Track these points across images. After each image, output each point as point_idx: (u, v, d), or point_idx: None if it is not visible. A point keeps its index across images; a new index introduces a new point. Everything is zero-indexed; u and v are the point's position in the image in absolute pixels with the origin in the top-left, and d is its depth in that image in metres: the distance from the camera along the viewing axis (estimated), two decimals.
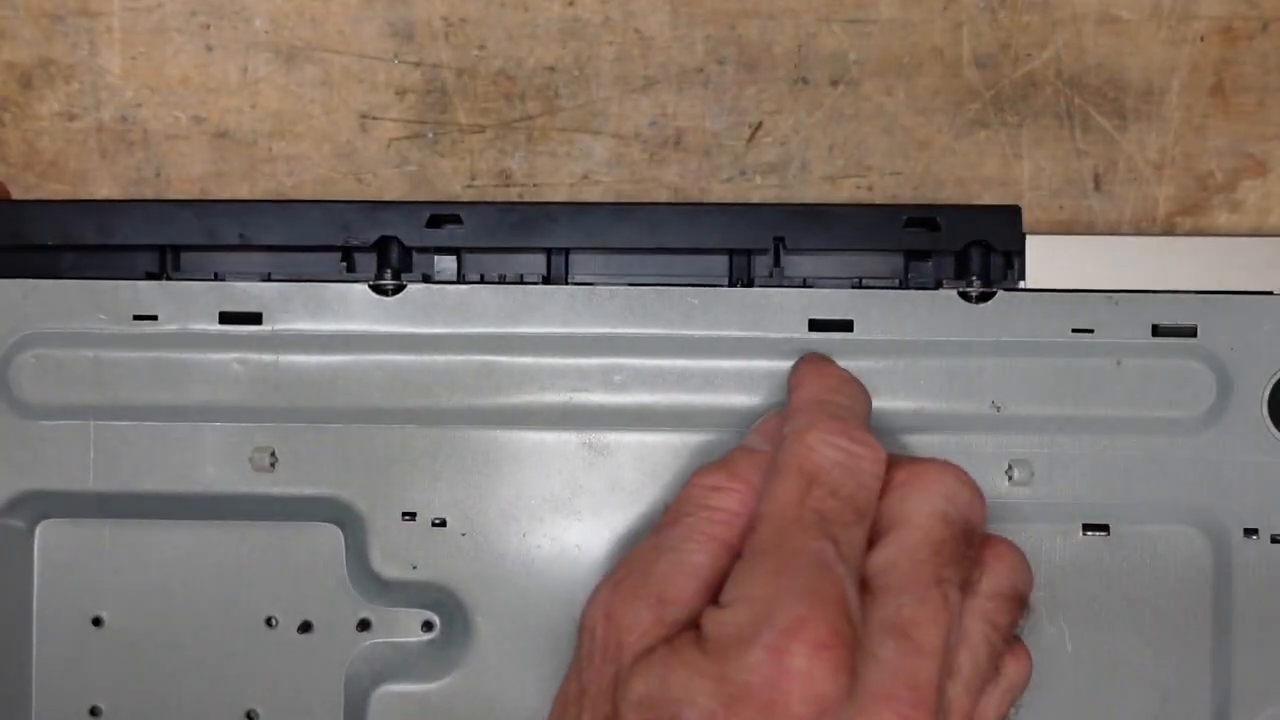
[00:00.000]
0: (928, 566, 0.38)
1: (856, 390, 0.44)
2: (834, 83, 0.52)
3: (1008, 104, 0.52)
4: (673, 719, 0.36)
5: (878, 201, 0.52)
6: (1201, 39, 0.52)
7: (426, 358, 0.47)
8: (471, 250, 0.47)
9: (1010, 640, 0.41)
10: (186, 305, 0.47)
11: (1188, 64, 0.52)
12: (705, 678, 0.36)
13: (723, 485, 0.41)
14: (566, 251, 0.47)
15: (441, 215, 0.47)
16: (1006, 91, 0.52)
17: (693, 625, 0.38)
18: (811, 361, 0.46)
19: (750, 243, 0.47)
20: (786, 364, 0.47)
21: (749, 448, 0.42)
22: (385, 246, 0.47)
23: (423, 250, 0.47)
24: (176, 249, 0.48)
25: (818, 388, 0.44)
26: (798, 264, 0.48)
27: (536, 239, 0.47)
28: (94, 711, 0.48)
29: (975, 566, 0.40)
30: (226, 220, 0.47)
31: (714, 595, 0.39)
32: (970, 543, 0.40)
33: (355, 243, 0.47)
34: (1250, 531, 0.47)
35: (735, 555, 0.39)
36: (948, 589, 0.38)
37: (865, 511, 0.39)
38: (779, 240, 0.47)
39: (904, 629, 0.37)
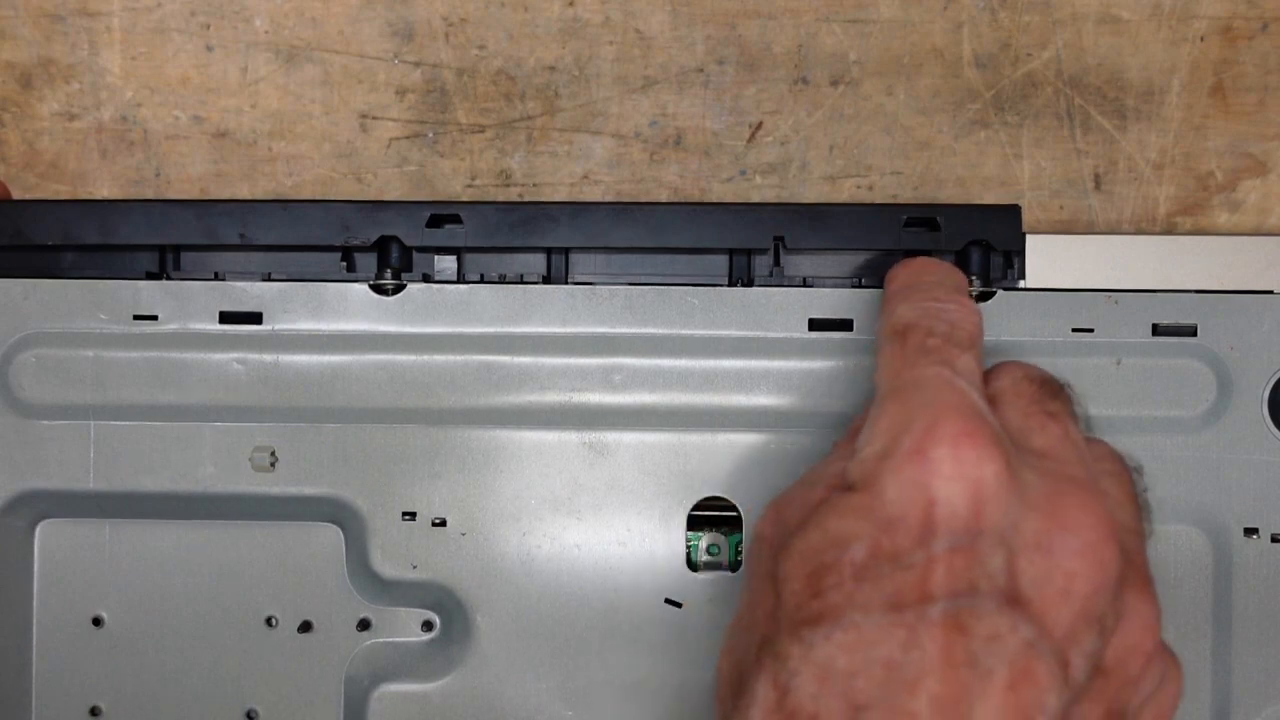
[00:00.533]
0: (1036, 403, 0.38)
1: (944, 268, 0.44)
2: (834, 83, 0.52)
3: (1008, 104, 0.52)
4: (839, 560, 0.34)
5: (878, 201, 0.52)
6: (1201, 39, 0.52)
7: (426, 357, 0.47)
8: (471, 250, 0.47)
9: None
10: (186, 305, 0.47)
11: (1188, 64, 0.52)
12: (858, 512, 0.34)
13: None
14: (566, 251, 0.47)
15: (441, 215, 0.47)
16: (1006, 91, 0.52)
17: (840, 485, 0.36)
18: (900, 263, 0.45)
19: (750, 242, 0.47)
20: (786, 364, 0.47)
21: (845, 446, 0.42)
22: (385, 246, 0.47)
23: (423, 250, 0.47)
24: (176, 249, 0.48)
25: (903, 277, 0.43)
26: (797, 264, 0.48)
27: (536, 239, 0.47)
28: (94, 711, 0.48)
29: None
30: (226, 220, 0.47)
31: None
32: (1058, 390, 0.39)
33: (355, 243, 0.47)
34: (1250, 531, 0.47)
35: None
36: (1064, 421, 0.38)
37: (969, 343, 0.38)
38: (779, 240, 0.47)
39: (1040, 455, 0.36)
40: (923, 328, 0.38)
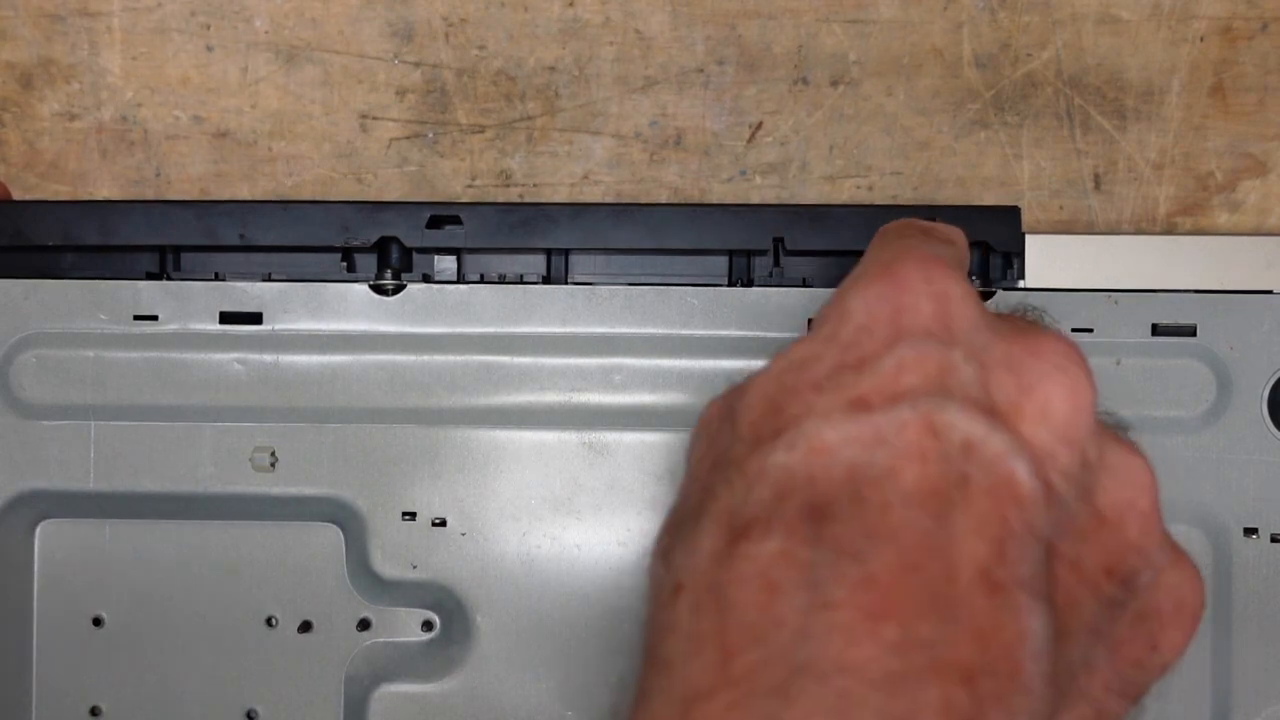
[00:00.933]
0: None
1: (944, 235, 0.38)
2: (834, 83, 0.52)
3: (1008, 104, 0.52)
4: (798, 384, 0.30)
5: (878, 202, 0.52)
6: (1201, 39, 0.52)
7: (426, 357, 0.47)
8: (471, 251, 0.47)
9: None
10: (187, 305, 0.47)
11: (1188, 64, 0.52)
12: (821, 339, 0.31)
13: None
14: (566, 253, 0.47)
15: (441, 216, 0.47)
16: (1006, 91, 0.52)
17: None
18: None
19: (750, 244, 0.47)
20: None
21: None
22: (385, 247, 0.47)
23: (422, 251, 0.47)
24: (177, 249, 0.48)
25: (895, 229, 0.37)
26: (797, 264, 0.48)
27: (536, 239, 0.47)
28: (94, 711, 0.48)
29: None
30: (226, 220, 0.47)
31: None
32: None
33: (355, 243, 0.47)
34: (1250, 531, 0.47)
35: None
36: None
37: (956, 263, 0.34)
38: (778, 241, 0.47)
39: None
40: (905, 238, 0.34)
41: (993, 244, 0.47)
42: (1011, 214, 0.47)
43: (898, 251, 0.32)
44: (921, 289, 0.31)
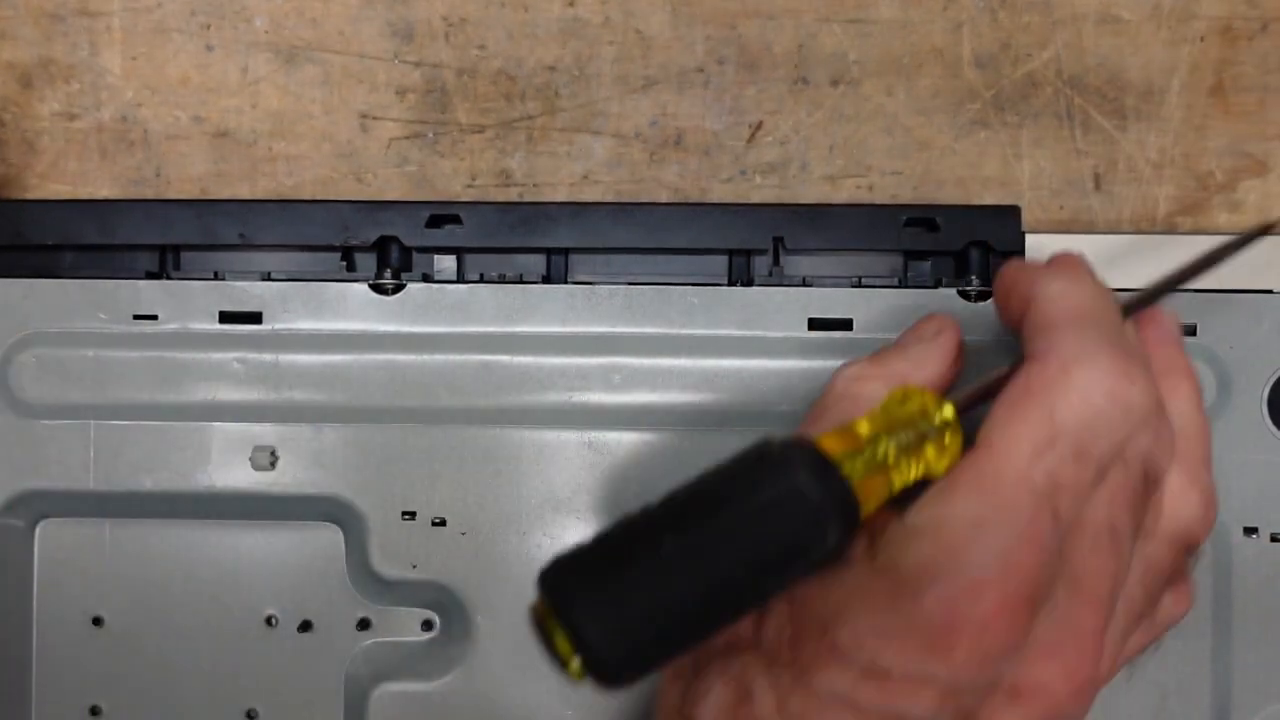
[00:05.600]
0: (1102, 510, 0.35)
1: (1112, 300, 0.39)
2: (834, 83, 0.52)
3: (1008, 104, 0.52)
4: (824, 631, 0.34)
5: (878, 201, 0.52)
6: (1201, 39, 0.52)
7: (426, 357, 0.47)
8: (471, 251, 0.47)
9: (1174, 579, 0.39)
10: (186, 305, 0.47)
11: (1188, 64, 0.52)
12: (869, 599, 0.34)
13: (866, 374, 0.39)
14: (566, 252, 0.47)
15: (441, 215, 0.47)
16: (1006, 91, 0.52)
17: (860, 543, 0.35)
18: (1061, 260, 0.39)
19: (750, 243, 0.47)
20: (786, 363, 0.47)
21: (901, 344, 0.40)
22: (385, 247, 0.47)
23: (422, 250, 0.47)
24: (176, 249, 0.48)
25: (1079, 296, 0.37)
26: (797, 264, 0.48)
27: (536, 239, 0.47)
28: (94, 711, 0.48)
29: (1151, 510, 0.37)
30: (226, 220, 0.47)
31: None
32: (1150, 487, 0.37)
33: (355, 242, 0.47)
34: (1250, 530, 0.47)
35: None
36: (1120, 537, 0.36)
37: (1104, 472, 0.35)
38: (778, 240, 0.47)
39: (1077, 577, 0.35)
40: (1078, 444, 0.35)
41: (993, 244, 0.47)
42: (1011, 214, 0.47)
43: (1003, 552, 0.34)
44: (968, 647, 0.34)
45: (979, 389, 0.37)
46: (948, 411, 0.36)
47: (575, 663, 0.32)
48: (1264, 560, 0.47)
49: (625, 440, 0.47)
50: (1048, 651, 0.35)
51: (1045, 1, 0.52)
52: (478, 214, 0.47)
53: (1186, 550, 0.39)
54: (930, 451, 0.36)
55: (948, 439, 0.36)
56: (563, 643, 0.33)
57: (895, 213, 0.47)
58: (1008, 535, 0.33)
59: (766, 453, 0.34)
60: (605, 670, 0.32)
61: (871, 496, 0.35)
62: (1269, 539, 0.47)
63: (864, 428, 0.36)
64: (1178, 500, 0.38)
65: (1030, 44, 0.52)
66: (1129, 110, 0.52)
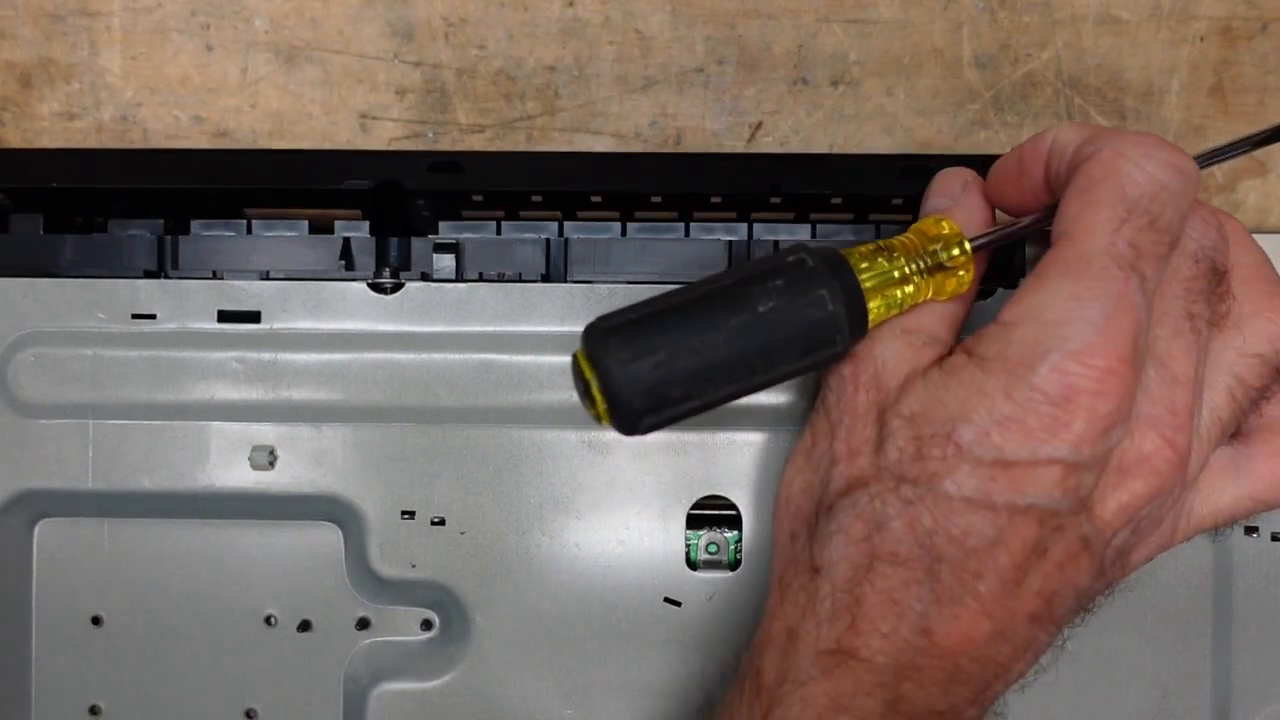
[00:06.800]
0: (1179, 301, 0.39)
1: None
2: (834, 83, 0.52)
3: (1008, 104, 0.52)
4: (947, 435, 0.37)
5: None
6: (1201, 39, 0.52)
7: (425, 356, 0.47)
8: (472, 204, 0.47)
9: (1260, 404, 0.41)
10: (185, 304, 0.47)
11: (1188, 64, 0.52)
12: (984, 394, 0.37)
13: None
14: (566, 242, 0.47)
15: (442, 164, 0.46)
16: (1006, 91, 0.52)
17: (959, 350, 0.38)
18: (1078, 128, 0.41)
19: (747, 188, 0.46)
20: None
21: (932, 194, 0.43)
22: (385, 193, 0.46)
23: (422, 194, 0.47)
24: (177, 195, 0.47)
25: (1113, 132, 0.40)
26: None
27: (537, 183, 0.46)
28: (94, 710, 0.48)
29: (1224, 302, 0.40)
30: (224, 171, 0.47)
31: (957, 325, 0.41)
32: (1218, 279, 0.40)
33: (355, 187, 0.46)
34: (1251, 529, 0.47)
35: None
36: (1198, 323, 0.39)
37: (1178, 238, 0.38)
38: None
39: (1162, 359, 0.38)
40: (1150, 211, 0.37)
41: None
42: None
43: (1100, 315, 0.37)
44: (1084, 416, 0.37)
45: (1002, 234, 0.41)
46: (967, 245, 0.40)
47: (601, 404, 0.37)
48: (1264, 560, 0.47)
49: (625, 439, 0.47)
50: (1146, 423, 0.37)
51: (1045, 1, 0.52)
52: (477, 162, 0.47)
53: (1274, 372, 0.41)
54: (942, 279, 0.40)
55: (961, 270, 0.40)
56: (593, 387, 0.37)
57: (889, 163, 0.46)
58: (1104, 302, 0.36)
59: (801, 260, 0.38)
60: (625, 414, 0.36)
61: (883, 307, 0.39)
62: (1269, 538, 0.47)
63: (895, 246, 0.40)
64: (1259, 310, 0.40)
65: (1030, 44, 0.52)
66: (1129, 110, 0.52)
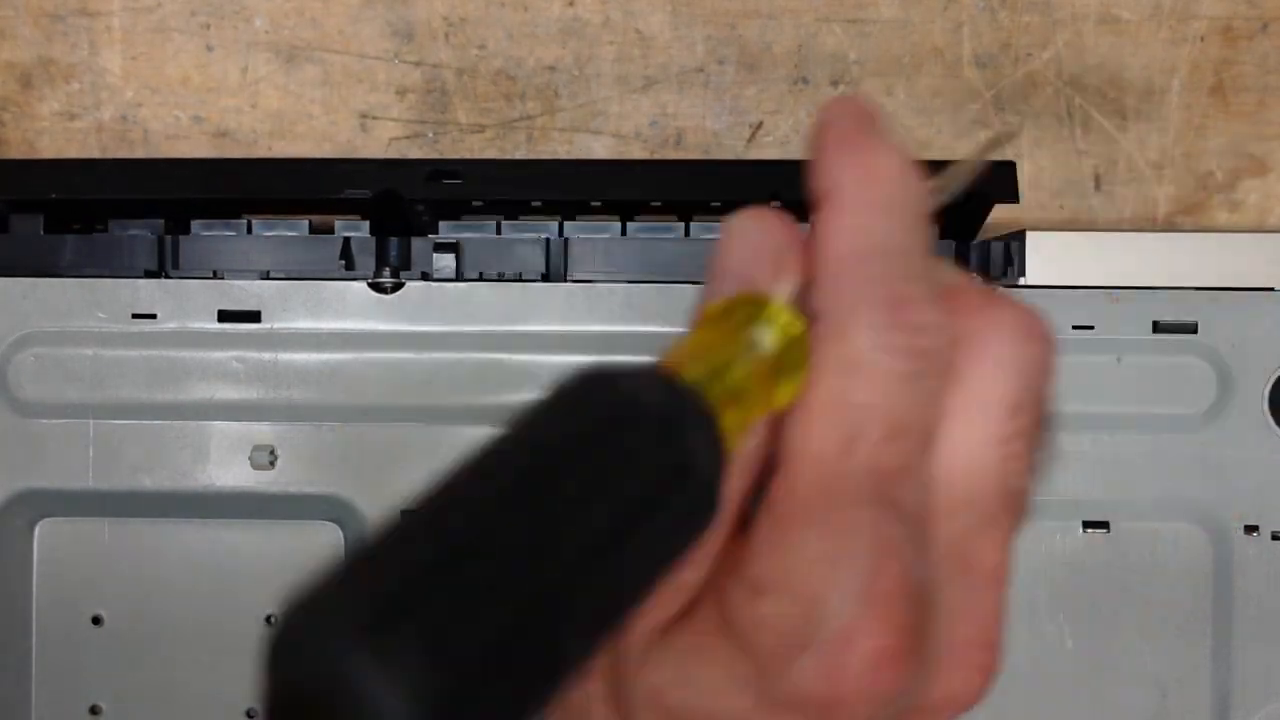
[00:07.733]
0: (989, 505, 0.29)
1: (910, 195, 0.29)
2: (834, 83, 0.52)
3: (1008, 104, 0.52)
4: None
5: None
6: (1201, 39, 0.52)
7: (426, 356, 0.47)
8: (471, 211, 0.47)
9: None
10: (185, 303, 0.47)
11: (1188, 64, 0.52)
12: (740, 681, 0.28)
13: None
14: (566, 241, 0.47)
15: (442, 171, 0.46)
16: (1006, 91, 0.52)
17: (710, 589, 0.28)
18: (844, 146, 0.29)
19: (749, 196, 0.46)
20: None
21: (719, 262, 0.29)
22: (385, 201, 0.46)
23: (422, 203, 0.47)
24: (180, 203, 0.47)
25: (859, 219, 0.29)
26: None
27: (536, 193, 0.46)
28: (94, 710, 0.48)
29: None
30: (227, 180, 0.47)
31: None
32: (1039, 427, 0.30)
33: (355, 197, 0.46)
34: (1251, 528, 0.47)
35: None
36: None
37: (933, 429, 0.28)
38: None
39: (967, 561, 0.29)
40: (887, 419, 0.27)
41: (991, 195, 0.46)
42: (1008, 169, 0.46)
43: (861, 586, 0.27)
44: (858, 703, 0.27)
45: (947, 179, 0.30)
46: (794, 325, 0.27)
47: None
48: (1265, 559, 0.47)
49: None
50: (950, 658, 0.29)
51: (1045, 1, 0.52)
52: (477, 169, 0.47)
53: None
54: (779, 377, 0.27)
55: (793, 354, 0.27)
56: None
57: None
58: (860, 562, 0.27)
59: (623, 403, 0.23)
60: None
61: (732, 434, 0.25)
62: (1270, 537, 0.46)
63: (709, 344, 0.26)
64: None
65: (1030, 44, 0.52)
66: (1129, 110, 0.52)
